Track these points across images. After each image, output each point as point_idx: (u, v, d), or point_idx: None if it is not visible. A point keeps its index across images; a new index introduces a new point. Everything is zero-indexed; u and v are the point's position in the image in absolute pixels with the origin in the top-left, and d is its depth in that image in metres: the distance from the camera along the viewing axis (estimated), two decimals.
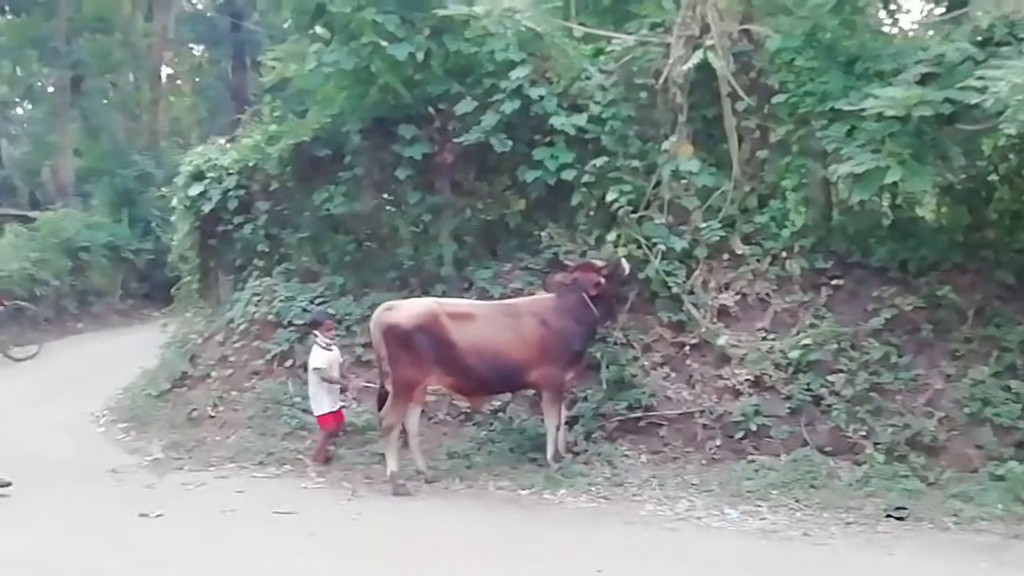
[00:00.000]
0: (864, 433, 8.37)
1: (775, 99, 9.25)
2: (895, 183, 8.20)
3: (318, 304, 10.68)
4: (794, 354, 8.78)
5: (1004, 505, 7.50)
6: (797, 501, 7.79)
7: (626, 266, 8.99)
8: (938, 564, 6.64)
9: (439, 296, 9.62)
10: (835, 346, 8.73)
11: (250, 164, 11.69)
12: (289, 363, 10.79)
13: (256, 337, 11.26)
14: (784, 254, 9.30)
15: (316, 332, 9.58)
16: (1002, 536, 7.10)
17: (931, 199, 9.82)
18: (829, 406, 8.52)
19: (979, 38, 8.27)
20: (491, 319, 8.72)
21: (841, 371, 8.64)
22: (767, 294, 9.27)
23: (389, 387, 8.62)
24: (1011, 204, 9.28)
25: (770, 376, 8.83)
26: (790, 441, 8.62)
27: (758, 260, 9.38)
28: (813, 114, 8.85)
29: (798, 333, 8.93)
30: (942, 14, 10.08)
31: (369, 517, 7.83)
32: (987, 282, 8.85)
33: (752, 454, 8.67)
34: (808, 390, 8.67)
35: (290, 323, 10.93)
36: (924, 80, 8.10)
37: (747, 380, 8.89)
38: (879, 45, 9.04)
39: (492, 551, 6.97)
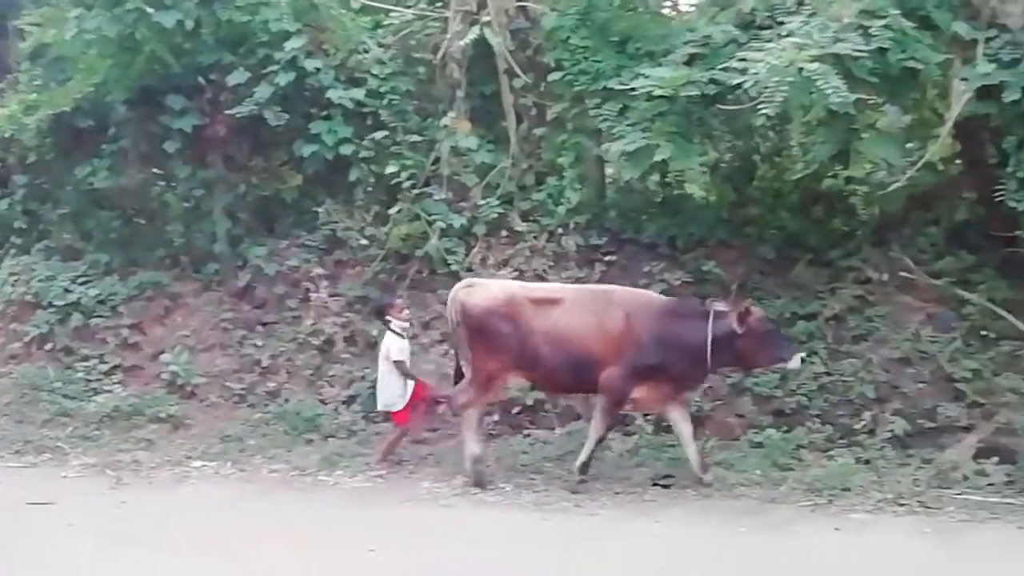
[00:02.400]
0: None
1: (551, 77, 9.41)
2: (664, 161, 8.47)
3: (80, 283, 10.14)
4: None
5: (762, 471, 7.99)
6: (570, 473, 7.98)
7: (776, 331, 8.06)
8: (700, 529, 6.96)
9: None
10: None
11: (6, 135, 10.90)
12: (49, 346, 10.26)
13: (13, 319, 10.63)
14: (560, 231, 9.54)
15: (388, 317, 8.61)
16: (760, 500, 7.53)
17: (698, 177, 10.26)
18: None
19: (743, 21, 8.60)
20: (577, 305, 7.97)
21: None
22: (544, 270, 9.44)
23: (467, 371, 8.18)
24: (772, 182, 9.91)
25: None
26: (564, 415, 8.88)
27: (535, 237, 9.57)
28: (587, 93, 9.01)
29: None
30: None
31: (133, 506, 7.53)
32: (750, 257, 9.34)
33: (528, 429, 8.90)
34: None
35: (50, 304, 10.34)
36: (691, 61, 8.39)
37: None
38: (650, 26, 9.29)
39: (263, 534, 6.79)
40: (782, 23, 7.82)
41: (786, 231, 9.48)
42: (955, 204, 9.35)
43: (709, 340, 7.59)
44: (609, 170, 10.29)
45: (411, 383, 8.50)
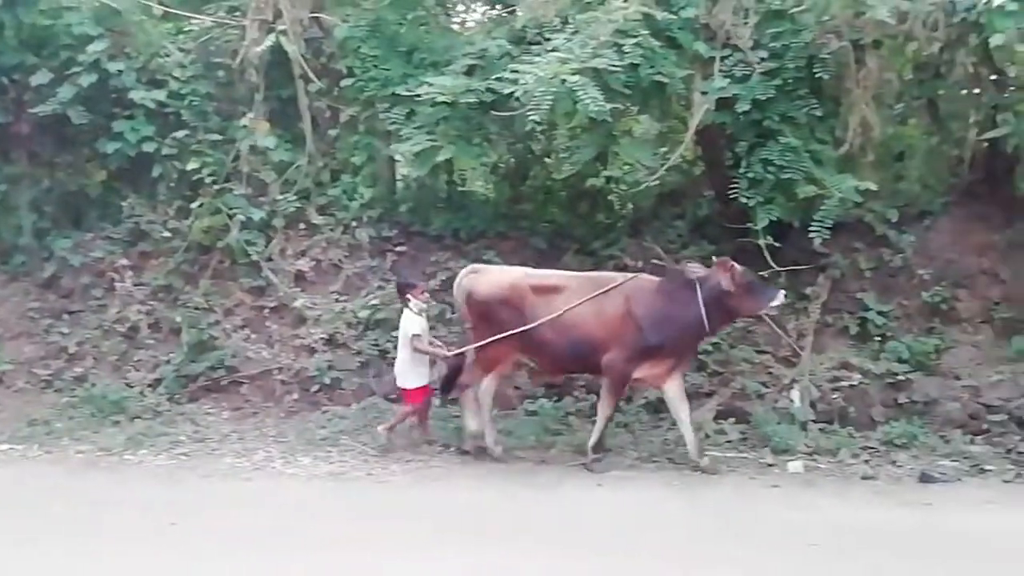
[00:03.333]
0: None
1: (343, 83, 10.03)
2: (449, 161, 9.30)
3: None
4: (363, 313, 9.76)
5: (536, 436, 8.74)
6: (364, 445, 8.56)
7: (755, 280, 8.21)
8: (481, 489, 7.55)
9: None
10: (399, 306, 9.58)
11: None
12: None
13: None
14: (354, 224, 10.21)
15: (409, 296, 8.59)
16: (534, 462, 8.22)
17: (480, 176, 11.15)
18: (394, 359, 9.17)
19: (515, 36, 9.32)
20: (578, 293, 8.07)
21: None
22: (339, 260, 10.13)
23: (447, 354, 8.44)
24: (544, 181, 10.81)
25: (342, 334, 9.74)
26: (359, 392, 9.54)
27: (331, 229, 10.19)
28: (377, 98, 9.70)
29: (367, 295, 9.90)
30: (497, 13, 11.38)
31: None
32: (524, 248, 10.17)
33: (326, 405, 9.47)
34: (376, 345, 9.66)
35: None
36: (471, 71, 9.04)
37: (322, 338, 9.72)
38: (434, 38, 10.03)
39: (68, 516, 6.93)
40: (549, 39, 8.45)
41: (556, 224, 10.40)
42: (698, 201, 10.31)
43: (703, 307, 7.81)
44: (400, 169, 10.95)
45: (427, 360, 8.56)
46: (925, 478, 7.77)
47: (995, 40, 7.88)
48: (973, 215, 9.52)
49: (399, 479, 7.84)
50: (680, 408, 8.07)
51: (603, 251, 10.00)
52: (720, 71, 8.60)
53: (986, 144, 9.24)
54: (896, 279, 9.40)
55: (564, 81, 7.74)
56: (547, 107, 7.82)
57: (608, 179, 10.52)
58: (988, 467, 8.02)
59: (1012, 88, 8.33)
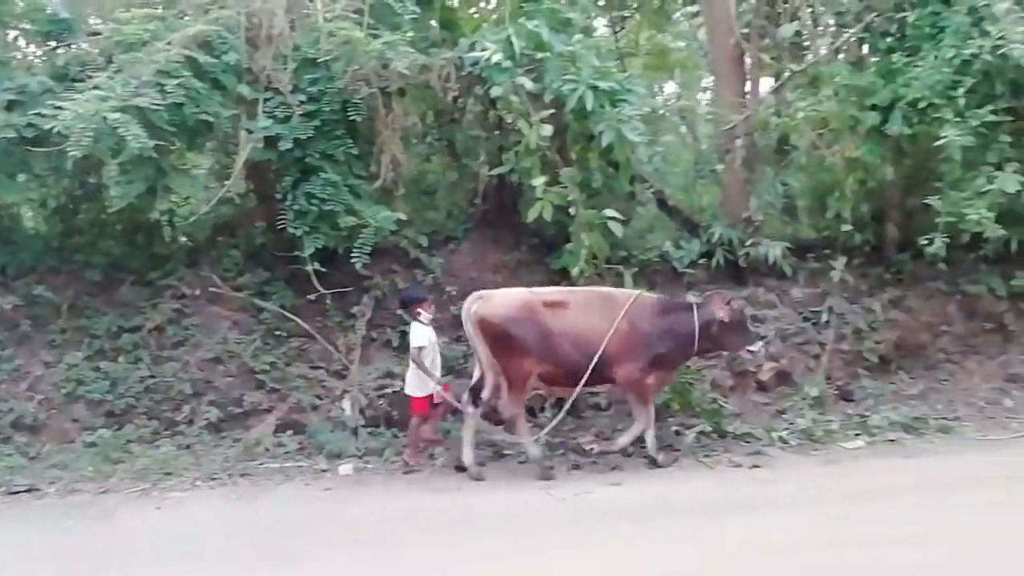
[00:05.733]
0: None
1: None
2: None
3: None
4: None
5: (94, 466, 8.83)
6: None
7: (747, 322, 9.32)
8: (30, 528, 7.52)
9: None
10: None
11: None
12: None
13: None
14: None
15: (420, 310, 8.85)
16: (91, 493, 8.30)
17: (29, 210, 10.92)
18: None
19: (57, 73, 9.46)
20: (584, 306, 8.68)
21: None
22: None
23: (488, 377, 8.54)
24: (98, 214, 10.73)
25: None
26: None
27: None
28: None
29: None
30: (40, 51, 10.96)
31: None
32: (79, 280, 10.19)
33: None
34: None
35: None
36: (11, 106, 9.00)
37: None
38: None
39: None
40: (92, 77, 8.64)
41: (112, 256, 10.46)
42: (252, 231, 10.85)
43: (697, 329, 8.65)
44: None
45: (434, 374, 8.84)
46: (458, 467, 8.84)
47: (494, 91, 9.42)
48: (489, 239, 10.98)
49: None
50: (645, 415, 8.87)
51: (160, 281, 10.29)
52: (264, 112, 9.20)
53: (496, 179, 10.65)
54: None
55: (105, 118, 8.06)
56: (88, 143, 8.08)
57: (163, 212, 10.70)
58: (507, 452, 9.33)
59: (511, 131, 9.79)
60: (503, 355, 8.50)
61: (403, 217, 9.85)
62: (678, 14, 17.75)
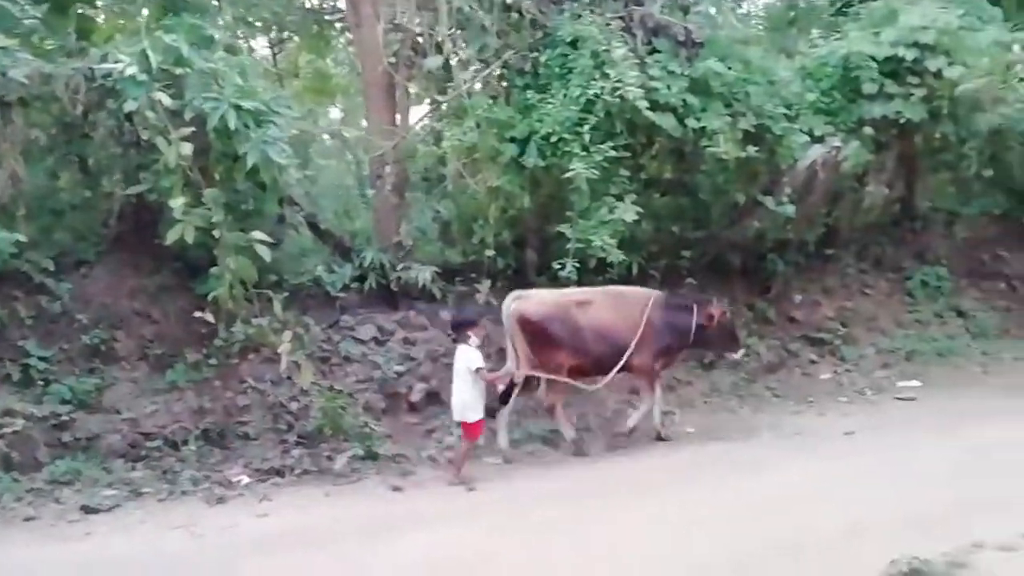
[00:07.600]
0: None
1: None
2: None
3: None
4: None
5: None
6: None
7: (735, 331, 10.74)
8: None
9: None
10: None
11: None
12: None
13: None
14: None
15: (470, 333, 8.93)
16: None
17: None
18: None
19: None
20: (604, 303, 9.81)
21: None
22: None
23: (520, 373, 9.39)
24: None
25: None
26: None
27: None
28: None
29: None
30: None
31: None
32: None
33: None
34: None
35: None
36: None
37: None
38: None
39: None
40: None
41: None
42: None
43: (693, 325, 9.93)
44: None
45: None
46: (87, 509, 8.25)
47: (128, 106, 8.96)
48: (125, 262, 10.34)
49: None
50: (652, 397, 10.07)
51: None
52: None
53: (134, 198, 10.09)
54: (57, 324, 9.73)
55: None
56: None
57: None
58: (146, 490, 8.74)
59: (149, 149, 9.29)
60: (540, 349, 9.44)
61: (22, 238, 9.06)
62: (338, 39, 17.87)
